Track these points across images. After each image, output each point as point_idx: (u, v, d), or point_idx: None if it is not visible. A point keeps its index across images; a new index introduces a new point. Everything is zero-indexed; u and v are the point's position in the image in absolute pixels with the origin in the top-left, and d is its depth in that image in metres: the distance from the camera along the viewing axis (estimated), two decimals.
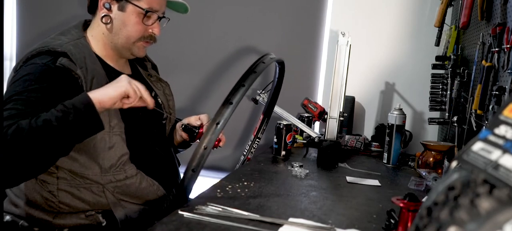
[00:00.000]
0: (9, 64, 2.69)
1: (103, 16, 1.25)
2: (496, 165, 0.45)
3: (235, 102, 1.05)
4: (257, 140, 1.76)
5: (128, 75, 1.34)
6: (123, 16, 1.25)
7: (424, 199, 0.76)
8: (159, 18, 1.30)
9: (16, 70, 1.17)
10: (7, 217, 1.19)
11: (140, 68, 1.45)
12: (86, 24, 1.33)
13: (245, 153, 1.82)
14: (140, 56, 1.34)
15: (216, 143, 1.25)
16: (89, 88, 1.16)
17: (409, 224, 0.84)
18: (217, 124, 1.02)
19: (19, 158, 1.00)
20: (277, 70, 1.56)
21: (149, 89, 1.42)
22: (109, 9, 1.25)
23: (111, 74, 1.25)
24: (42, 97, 1.08)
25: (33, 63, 1.14)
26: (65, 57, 1.15)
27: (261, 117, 1.72)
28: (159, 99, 1.43)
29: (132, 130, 1.26)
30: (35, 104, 1.06)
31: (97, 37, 1.28)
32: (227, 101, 1.05)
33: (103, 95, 1.08)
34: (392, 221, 0.90)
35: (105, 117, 1.17)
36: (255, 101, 1.91)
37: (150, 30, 1.29)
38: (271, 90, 1.64)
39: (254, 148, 1.74)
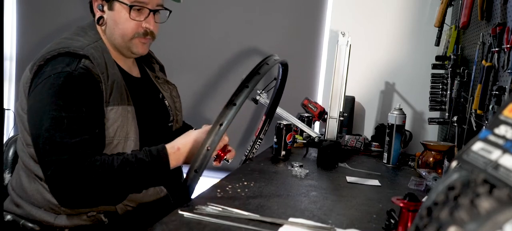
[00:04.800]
0: (9, 64, 2.69)
1: (98, 19, 1.25)
2: (496, 165, 0.45)
3: (238, 104, 1.05)
4: (259, 140, 1.76)
5: (137, 77, 1.35)
6: (113, 15, 1.24)
7: (424, 199, 0.76)
8: (152, 12, 1.27)
9: (35, 73, 1.15)
10: (8, 217, 1.19)
11: (148, 70, 1.45)
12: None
13: (246, 154, 1.82)
14: (141, 54, 1.31)
15: (223, 154, 1.24)
16: (109, 94, 1.16)
17: (409, 224, 0.84)
18: (220, 125, 1.02)
19: (91, 192, 1.10)
20: (281, 72, 1.55)
21: (156, 91, 1.42)
22: (102, 11, 1.25)
23: (123, 76, 1.26)
24: (90, 107, 1.12)
25: (62, 70, 1.11)
26: (87, 59, 1.15)
27: (263, 117, 1.72)
28: (166, 101, 1.43)
29: (144, 135, 1.26)
30: (86, 119, 1.11)
31: (103, 39, 1.28)
32: (230, 103, 1.05)
33: (180, 160, 1.18)
34: (392, 221, 0.90)
35: (124, 124, 1.19)
36: (255, 101, 1.91)
37: (143, 26, 1.26)
38: (274, 91, 1.64)
39: (256, 148, 1.74)
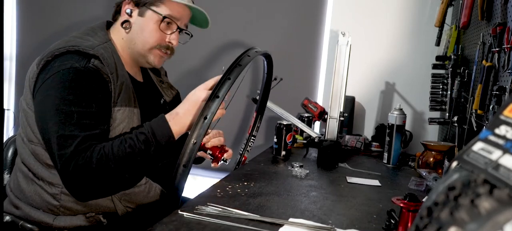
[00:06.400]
0: (9, 64, 2.69)
1: (123, 22, 1.27)
2: (497, 165, 0.45)
3: (221, 96, 1.07)
4: (252, 138, 1.75)
5: (139, 82, 1.36)
6: (142, 22, 1.26)
7: (424, 199, 0.76)
8: (180, 30, 1.31)
9: (43, 68, 1.15)
10: (7, 218, 1.19)
11: (153, 74, 1.46)
12: (107, 26, 1.34)
13: (241, 153, 1.81)
14: (155, 66, 1.33)
15: (219, 155, 1.24)
16: (118, 95, 1.17)
17: (409, 224, 0.84)
18: (205, 118, 1.04)
19: (99, 182, 1.10)
20: (265, 65, 1.54)
21: (158, 96, 1.42)
22: (130, 15, 1.27)
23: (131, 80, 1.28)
24: (100, 104, 1.13)
25: (72, 66, 1.11)
26: (97, 59, 1.15)
27: (254, 114, 1.71)
28: (167, 107, 1.43)
29: None
30: (96, 114, 1.12)
31: (116, 42, 1.29)
32: (213, 95, 1.07)
33: (184, 125, 1.17)
34: (392, 221, 0.90)
35: (129, 126, 1.19)
36: (255, 101, 1.90)
37: (167, 39, 1.29)
38: (262, 86, 1.63)
39: (250, 146, 1.73)
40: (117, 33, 1.29)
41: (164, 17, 1.26)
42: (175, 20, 1.28)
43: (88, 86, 1.11)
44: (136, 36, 1.27)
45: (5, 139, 1.46)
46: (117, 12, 1.31)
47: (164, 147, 1.14)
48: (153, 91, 1.43)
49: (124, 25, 1.27)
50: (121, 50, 1.28)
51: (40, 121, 1.14)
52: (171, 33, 1.29)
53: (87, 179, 1.08)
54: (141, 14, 1.26)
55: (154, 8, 1.25)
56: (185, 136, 1.14)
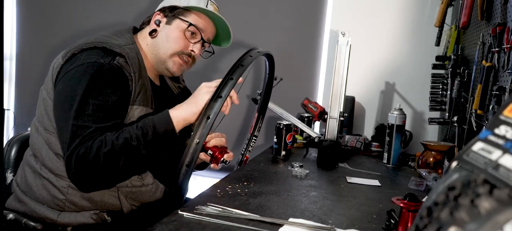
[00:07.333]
0: (9, 64, 2.69)
1: (151, 31, 1.32)
2: (497, 165, 0.45)
3: (224, 96, 1.09)
4: (254, 138, 1.75)
5: (157, 86, 1.40)
6: (168, 29, 1.33)
7: (424, 199, 0.76)
8: (203, 41, 1.36)
9: (68, 59, 1.18)
10: (10, 215, 1.20)
11: (171, 81, 1.49)
12: (134, 31, 1.38)
13: (243, 153, 1.82)
14: (174, 73, 1.37)
15: (220, 156, 1.25)
16: (137, 94, 1.20)
17: (409, 224, 0.84)
18: (208, 117, 1.04)
19: (101, 170, 1.10)
20: (267, 65, 1.55)
21: (173, 101, 1.43)
22: (158, 25, 1.33)
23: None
24: (117, 99, 1.15)
25: (96, 61, 1.15)
26: (122, 57, 1.19)
27: (256, 114, 1.71)
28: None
29: None
30: (111, 109, 1.14)
31: (141, 46, 1.34)
32: (216, 96, 1.08)
33: (188, 113, 1.17)
34: (392, 221, 0.90)
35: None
36: (255, 101, 1.90)
37: (190, 48, 1.34)
38: (263, 86, 1.64)
39: (251, 146, 1.73)
40: (143, 39, 1.34)
41: (190, 24, 1.31)
42: (200, 30, 1.34)
43: (108, 82, 1.14)
44: (161, 42, 1.32)
45: (5, 139, 1.46)
46: (145, 23, 1.37)
47: (163, 137, 1.14)
48: (169, 95, 1.46)
49: (151, 34, 1.32)
50: (143, 55, 1.32)
51: (57, 109, 1.17)
52: (194, 43, 1.35)
53: (85, 166, 1.09)
54: (168, 23, 1.33)
55: (182, 17, 1.32)
56: (188, 132, 1.15)
